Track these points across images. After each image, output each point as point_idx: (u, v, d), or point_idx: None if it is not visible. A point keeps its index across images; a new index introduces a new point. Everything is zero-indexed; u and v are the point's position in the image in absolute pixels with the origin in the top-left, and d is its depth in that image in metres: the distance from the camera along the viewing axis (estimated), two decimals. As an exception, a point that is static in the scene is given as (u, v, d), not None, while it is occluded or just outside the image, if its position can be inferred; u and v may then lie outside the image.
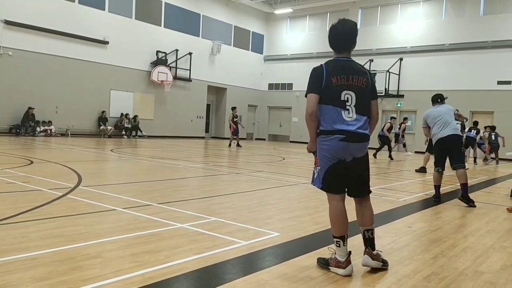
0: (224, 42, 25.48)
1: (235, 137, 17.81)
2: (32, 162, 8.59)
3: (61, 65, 18.34)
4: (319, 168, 3.15)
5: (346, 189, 3.16)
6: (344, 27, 3.11)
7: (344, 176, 3.10)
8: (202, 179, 8.15)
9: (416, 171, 11.13)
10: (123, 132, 20.54)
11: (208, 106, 25.57)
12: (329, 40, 3.16)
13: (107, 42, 19.89)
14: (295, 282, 2.88)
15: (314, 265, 3.20)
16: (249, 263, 3.22)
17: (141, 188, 6.47)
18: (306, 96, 3.09)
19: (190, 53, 23.46)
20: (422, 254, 3.71)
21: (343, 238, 3.03)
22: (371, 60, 23.50)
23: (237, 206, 5.42)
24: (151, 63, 21.88)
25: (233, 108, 18.10)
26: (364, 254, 3.15)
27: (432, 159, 10.91)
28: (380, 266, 3.13)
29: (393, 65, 22.77)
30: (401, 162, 14.89)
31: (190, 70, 23.59)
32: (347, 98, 3.04)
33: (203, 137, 24.66)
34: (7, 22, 16.74)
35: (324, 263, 3.10)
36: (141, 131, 21.17)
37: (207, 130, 25.67)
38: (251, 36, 27.64)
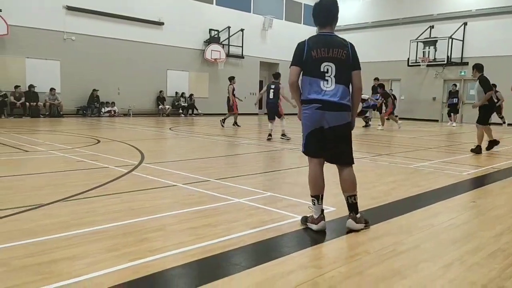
0: (276, 16, 25.10)
1: (234, 112, 15.04)
2: (99, 141, 9.14)
3: (120, 47, 19.10)
4: (302, 134, 3.49)
5: (323, 155, 3.43)
6: (327, 3, 3.42)
7: (321, 142, 3.39)
8: (256, 155, 8.26)
9: (472, 151, 8.75)
10: (180, 111, 21.18)
11: (260, 82, 25.51)
12: (313, 17, 3.47)
13: (162, 23, 20.36)
14: (351, 257, 2.88)
15: (371, 239, 3.18)
16: (305, 237, 3.26)
17: (198, 164, 6.70)
18: (290, 67, 3.39)
19: (242, 30, 23.42)
20: (486, 230, 3.54)
21: (317, 198, 3.39)
22: (432, 27, 22.03)
23: (291, 181, 5.46)
24: (204, 41, 22.15)
25: (232, 78, 14.99)
26: (349, 218, 3.39)
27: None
28: (363, 227, 3.38)
29: (456, 30, 21.26)
30: (465, 134, 14.09)
31: (242, 46, 23.60)
32: (327, 69, 3.31)
33: (256, 114, 24.77)
34: (69, 8, 17.61)
35: (304, 220, 3.47)
36: (197, 109, 21.70)
37: (260, 107, 25.71)
38: (303, 8, 26.97)
